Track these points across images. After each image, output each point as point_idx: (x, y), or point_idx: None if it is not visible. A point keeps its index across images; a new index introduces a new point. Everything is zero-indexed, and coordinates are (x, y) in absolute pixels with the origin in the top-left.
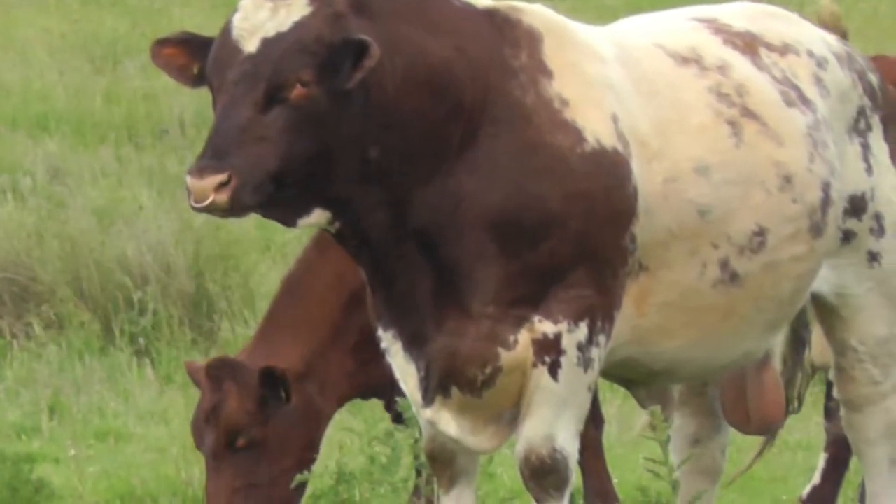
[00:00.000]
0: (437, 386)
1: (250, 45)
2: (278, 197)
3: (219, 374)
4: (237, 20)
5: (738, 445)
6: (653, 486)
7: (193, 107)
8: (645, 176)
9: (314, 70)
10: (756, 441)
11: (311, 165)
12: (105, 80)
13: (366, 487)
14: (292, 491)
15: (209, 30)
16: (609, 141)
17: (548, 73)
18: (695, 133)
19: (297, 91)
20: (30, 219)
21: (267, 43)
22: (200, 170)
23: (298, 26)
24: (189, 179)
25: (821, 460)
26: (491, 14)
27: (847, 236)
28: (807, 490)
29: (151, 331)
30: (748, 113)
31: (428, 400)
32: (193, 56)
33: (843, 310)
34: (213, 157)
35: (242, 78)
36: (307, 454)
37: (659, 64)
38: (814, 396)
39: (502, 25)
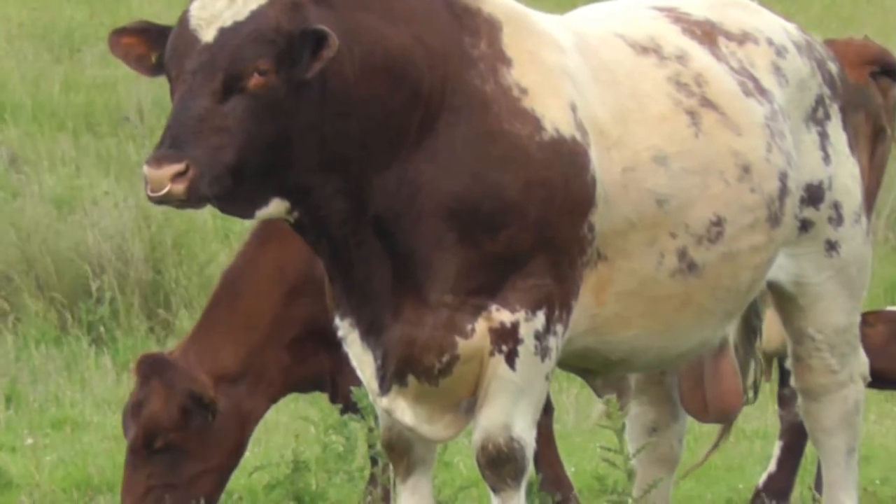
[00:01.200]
0: (393, 374)
1: (208, 35)
2: (236, 188)
3: (148, 370)
4: (195, 9)
5: (695, 434)
6: (610, 474)
7: (152, 95)
8: (604, 165)
9: (272, 59)
10: (713, 430)
11: (269, 154)
12: (63, 69)
13: (321, 476)
14: (211, 492)
15: (167, 19)
16: (568, 129)
17: (507, 62)
18: (654, 122)
19: (255, 80)
20: None
21: (224, 32)
22: (158, 159)
23: (256, 15)
24: (146, 169)
25: (776, 448)
26: (450, 3)
27: (805, 225)
28: (763, 478)
29: (108, 319)
30: (707, 103)
31: (384, 388)
32: (151, 45)
33: (800, 298)
34: (171, 146)
35: (200, 68)
36: (231, 457)
37: (618, 53)
38: (771, 385)
39: (461, 14)
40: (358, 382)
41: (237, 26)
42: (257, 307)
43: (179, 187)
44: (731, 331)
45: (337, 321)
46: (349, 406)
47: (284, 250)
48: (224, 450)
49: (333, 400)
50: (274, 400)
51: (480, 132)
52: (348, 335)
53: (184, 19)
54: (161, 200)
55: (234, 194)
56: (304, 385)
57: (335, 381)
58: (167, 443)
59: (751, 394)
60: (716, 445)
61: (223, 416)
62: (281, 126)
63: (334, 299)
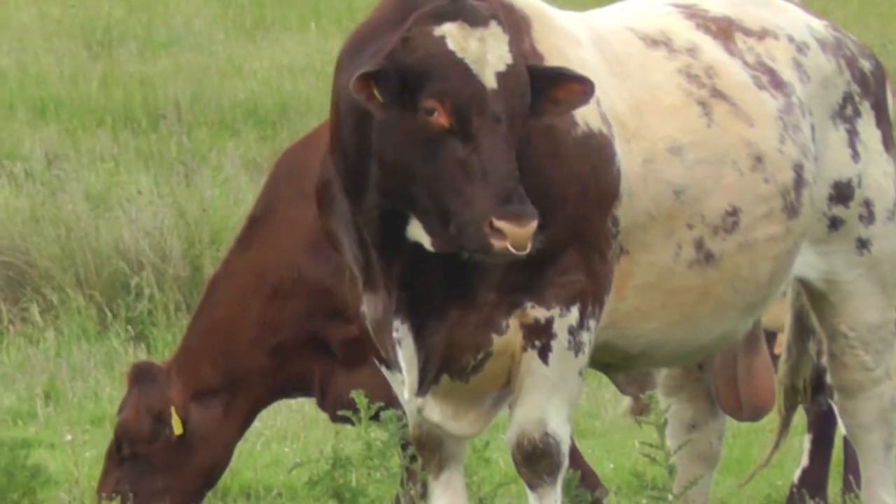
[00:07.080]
0: (433, 374)
1: (490, 80)
2: None
3: (135, 377)
4: (460, 51)
5: (735, 430)
6: (649, 470)
7: (190, 91)
8: (626, 157)
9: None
10: (751, 427)
11: None
12: (101, 65)
13: (362, 473)
14: None
15: (206, 16)
16: (595, 123)
17: (539, 58)
18: (667, 113)
19: (525, 124)
20: (26, 204)
21: (502, 77)
22: (518, 216)
23: (517, 58)
24: (507, 226)
25: (806, 442)
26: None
27: (834, 223)
28: (797, 474)
29: (147, 316)
30: (718, 94)
31: (424, 389)
32: (376, 84)
33: (832, 296)
34: (523, 202)
35: (500, 116)
36: (197, 480)
37: (628, 46)
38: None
39: (506, 13)
40: (349, 388)
41: (510, 70)
42: (235, 315)
43: (531, 244)
44: (786, 330)
45: (396, 324)
46: (336, 414)
47: (265, 255)
48: (192, 472)
49: (321, 406)
50: (256, 407)
51: (532, 129)
52: (404, 339)
53: (451, 59)
54: (513, 258)
55: None
56: (289, 390)
57: (324, 387)
58: (133, 452)
59: (804, 393)
60: (776, 445)
61: (195, 435)
62: None
63: (397, 304)
